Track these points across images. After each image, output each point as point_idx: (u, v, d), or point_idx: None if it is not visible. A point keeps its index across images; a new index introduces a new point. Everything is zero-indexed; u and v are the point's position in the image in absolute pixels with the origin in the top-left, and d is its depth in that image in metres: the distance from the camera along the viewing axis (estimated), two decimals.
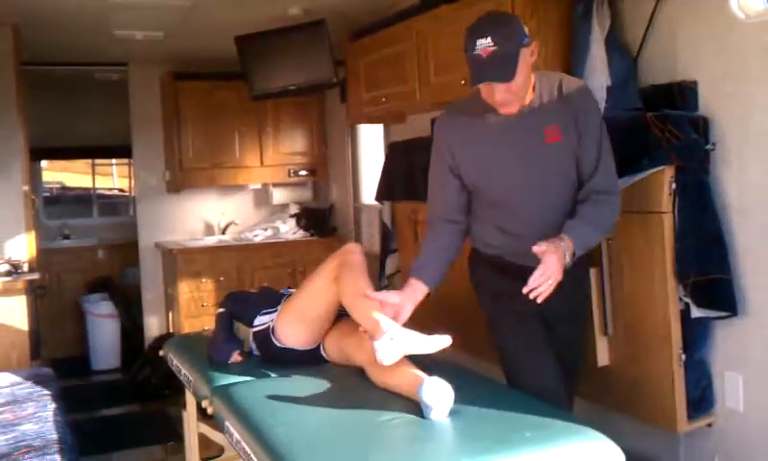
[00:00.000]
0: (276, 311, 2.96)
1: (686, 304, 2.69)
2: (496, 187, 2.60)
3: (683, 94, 2.77)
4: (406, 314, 2.61)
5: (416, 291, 2.65)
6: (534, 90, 2.48)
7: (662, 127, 2.62)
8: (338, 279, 2.70)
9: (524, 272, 2.33)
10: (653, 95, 2.88)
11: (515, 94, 2.41)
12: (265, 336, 2.95)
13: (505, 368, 2.72)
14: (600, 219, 2.46)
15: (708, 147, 2.70)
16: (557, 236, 2.37)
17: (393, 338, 2.31)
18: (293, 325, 2.90)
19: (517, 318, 2.62)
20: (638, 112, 2.81)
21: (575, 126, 2.45)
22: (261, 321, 2.99)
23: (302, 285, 3.01)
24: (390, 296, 2.63)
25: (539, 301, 2.31)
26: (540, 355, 2.61)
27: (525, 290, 2.28)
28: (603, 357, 2.89)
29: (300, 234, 6.34)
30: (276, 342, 2.92)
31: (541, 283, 2.28)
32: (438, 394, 2.20)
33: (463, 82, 3.19)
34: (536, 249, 2.30)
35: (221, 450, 3.67)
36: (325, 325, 2.89)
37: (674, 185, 2.61)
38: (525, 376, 2.60)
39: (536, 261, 2.31)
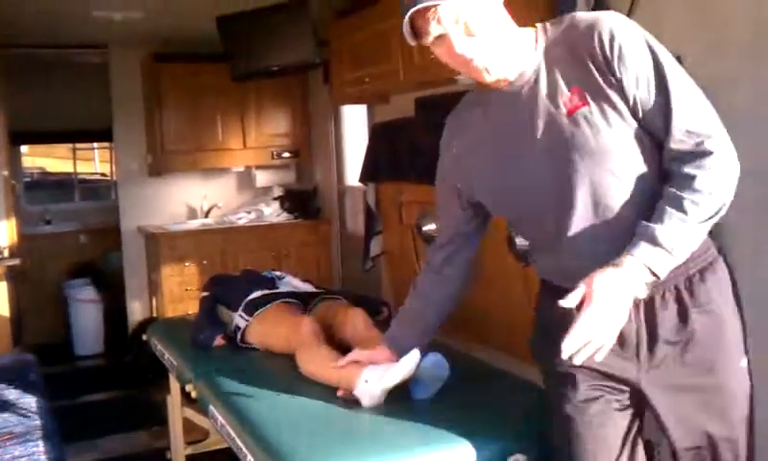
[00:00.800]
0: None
1: None
2: (513, 202, 1.84)
3: None
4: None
5: (386, 354, 2.23)
6: (536, 49, 1.72)
7: None
8: (297, 356, 2.59)
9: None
10: None
11: (479, 53, 1.66)
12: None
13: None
14: (690, 195, 1.56)
15: None
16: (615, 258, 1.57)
17: (367, 380, 2.22)
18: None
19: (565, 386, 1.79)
20: None
21: (608, 77, 1.62)
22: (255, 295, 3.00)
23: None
24: (357, 357, 2.28)
25: (576, 362, 1.53)
26: None
27: (564, 355, 1.51)
28: None
29: (283, 217, 6.31)
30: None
31: (579, 347, 1.52)
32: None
33: None
34: (562, 303, 1.55)
35: (206, 434, 3.65)
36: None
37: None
38: None
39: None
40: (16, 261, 4.34)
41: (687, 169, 1.58)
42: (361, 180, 4.39)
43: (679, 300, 1.68)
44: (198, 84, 5.94)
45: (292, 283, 3.23)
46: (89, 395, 5.28)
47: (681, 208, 1.55)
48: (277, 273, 3.31)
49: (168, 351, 3.17)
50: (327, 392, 2.32)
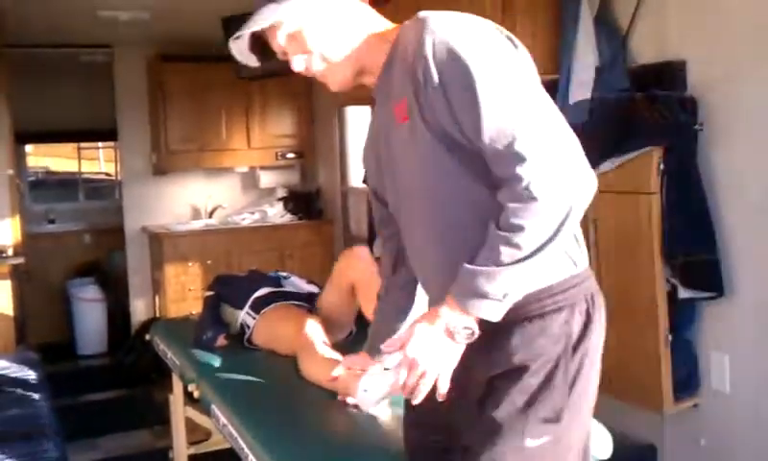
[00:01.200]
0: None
1: (673, 285, 2.69)
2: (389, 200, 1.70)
3: (671, 74, 2.76)
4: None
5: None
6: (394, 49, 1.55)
7: (651, 107, 2.61)
8: (299, 359, 2.58)
9: None
10: (641, 75, 2.87)
11: (317, 67, 1.59)
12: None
13: None
14: (506, 233, 1.36)
15: (697, 127, 2.69)
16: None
17: (366, 389, 2.13)
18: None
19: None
20: (627, 93, 2.79)
21: (426, 93, 1.43)
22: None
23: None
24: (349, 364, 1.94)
25: (414, 402, 1.46)
26: None
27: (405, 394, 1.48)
28: None
29: (287, 218, 6.31)
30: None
31: (413, 386, 1.45)
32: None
33: None
34: (384, 347, 1.51)
35: (208, 434, 3.65)
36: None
37: (662, 166, 2.61)
38: None
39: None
40: (21, 260, 4.35)
41: (504, 197, 1.36)
42: (364, 181, 4.39)
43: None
44: (202, 84, 5.94)
45: (297, 284, 3.23)
46: (92, 394, 5.27)
47: (496, 250, 1.36)
48: (283, 273, 3.31)
49: (171, 350, 3.17)
50: (329, 394, 2.33)
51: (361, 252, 2.85)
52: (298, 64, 1.59)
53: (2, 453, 2.46)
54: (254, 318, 2.95)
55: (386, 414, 2.18)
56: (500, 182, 1.38)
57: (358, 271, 2.81)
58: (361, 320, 3.00)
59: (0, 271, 4.14)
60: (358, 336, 2.98)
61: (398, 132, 1.52)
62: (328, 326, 2.78)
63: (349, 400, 2.20)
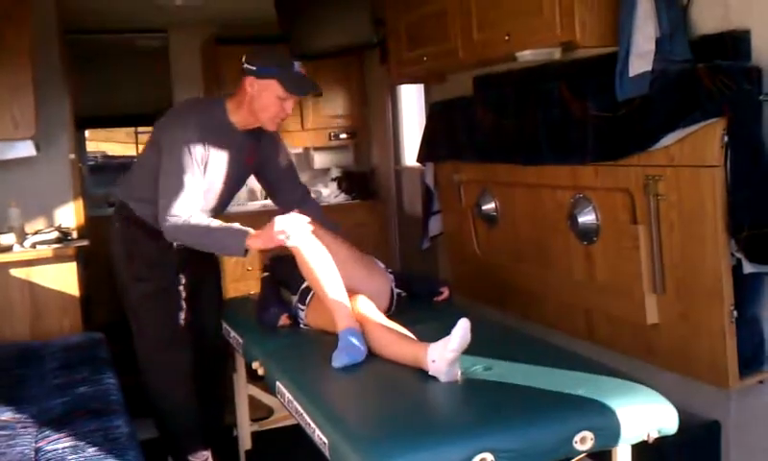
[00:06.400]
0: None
1: (738, 260, 2.64)
2: (214, 193, 3.20)
3: (734, 44, 2.69)
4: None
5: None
6: None
7: (713, 78, 2.55)
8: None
9: None
10: (703, 46, 2.81)
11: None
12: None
13: None
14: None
15: (762, 98, 2.63)
16: None
17: (434, 360, 2.27)
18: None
19: None
20: (688, 64, 2.74)
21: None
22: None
23: None
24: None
25: None
26: None
27: None
28: (652, 315, 2.86)
29: (341, 198, 6.35)
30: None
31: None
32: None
33: (507, 37, 3.14)
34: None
35: (270, 412, 3.73)
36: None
37: (726, 138, 2.55)
38: None
39: None
40: (85, 242, 4.45)
41: None
42: (419, 159, 4.39)
43: None
44: None
45: None
46: None
47: None
48: None
49: (234, 329, 3.23)
50: (395, 368, 2.35)
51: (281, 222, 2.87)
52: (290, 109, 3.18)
53: (75, 429, 2.54)
54: (303, 309, 2.98)
55: (456, 375, 2.21)
56: None
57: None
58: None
59: (66, 253, 4.24)
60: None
61: (246, 167, 3.37)
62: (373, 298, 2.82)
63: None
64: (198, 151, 3.04)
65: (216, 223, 2.98)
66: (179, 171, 3.01)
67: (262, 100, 3.07)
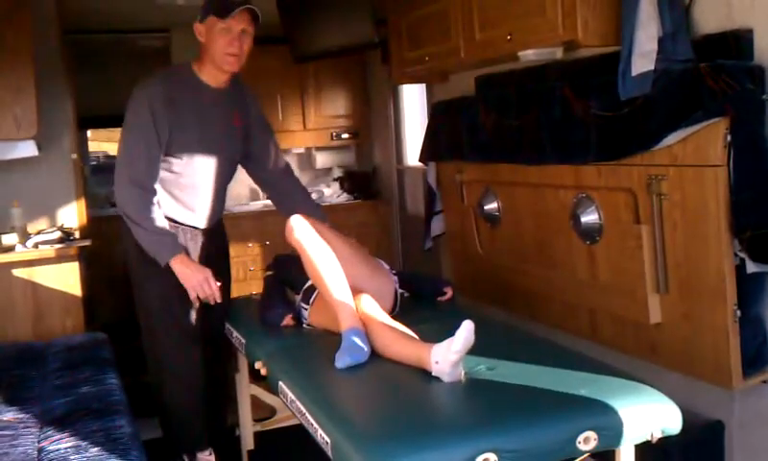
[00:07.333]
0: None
1: (742, 260, 2.63)
2: (197, 161, 3.14)
3: (737, 43, 2.68)
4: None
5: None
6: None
7: (717, 78, 2.54)
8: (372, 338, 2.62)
9: None
10: (705, 46, 2.80)
11: (245, 55, 3.13)
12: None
13: None
14: None
15: (765, 97, 2.62)
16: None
17: (437, 361, 2.27)
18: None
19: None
20: (691, 64, 2.73)
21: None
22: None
23: None
24: None
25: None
26: None
27: None
28: (655, 315, 2.86)
29: (343, 198, 6.35)
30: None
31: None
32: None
33: (509, 37, 3.14)
34: None
35: (272, 412, 3.73)
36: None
37: (729, 137, 2.54)
38: None
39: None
40: (87, 242, 4.45)
41: None
42: (421, 159, 4.38)
43: None
44: (258, 67, 5.89)
45: None
46: None
47: None
48: None
49: (236, 329, 3.23)
50: (398, 368, 2.35)
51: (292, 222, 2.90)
52: (247, 45, 3.17)
53: (78, 429, 2.54)
54: (306, 308, 2.98)
55: (459, 376, 2.21)
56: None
57: (292, 240, 2.86)
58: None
59: (68, 253, 4.23)
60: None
61: (233, 128, 3.34)
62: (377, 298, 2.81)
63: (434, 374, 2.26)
64: (162, 118, 3.04)
65: (161, 224, 3.08)
66: (138, 137, 3.06)
67: (210, 41, 3.09)
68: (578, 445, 1.93)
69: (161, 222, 3.08)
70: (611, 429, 1.97)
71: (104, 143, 9.53)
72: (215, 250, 3.33)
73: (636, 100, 2.71)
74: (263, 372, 2.74)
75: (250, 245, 5.78)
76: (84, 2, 5.16)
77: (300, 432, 2.33)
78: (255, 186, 6.38)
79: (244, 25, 3.10)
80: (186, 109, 3.09)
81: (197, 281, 3.03)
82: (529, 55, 3.15)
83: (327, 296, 2.71)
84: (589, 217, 3.10)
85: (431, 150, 4.25)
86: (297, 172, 6.50)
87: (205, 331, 3.34)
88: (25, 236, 4.27)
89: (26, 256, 4.16)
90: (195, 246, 3.26)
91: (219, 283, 3.07)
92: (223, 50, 3.08)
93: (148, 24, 6.08)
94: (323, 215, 3.31)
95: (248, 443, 3.68)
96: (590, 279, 3.15)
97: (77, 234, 4.58)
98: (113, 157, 9.41)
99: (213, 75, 3.17)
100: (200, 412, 3.34)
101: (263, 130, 3.48)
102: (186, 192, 3.19)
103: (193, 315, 3.25)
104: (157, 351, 3.31)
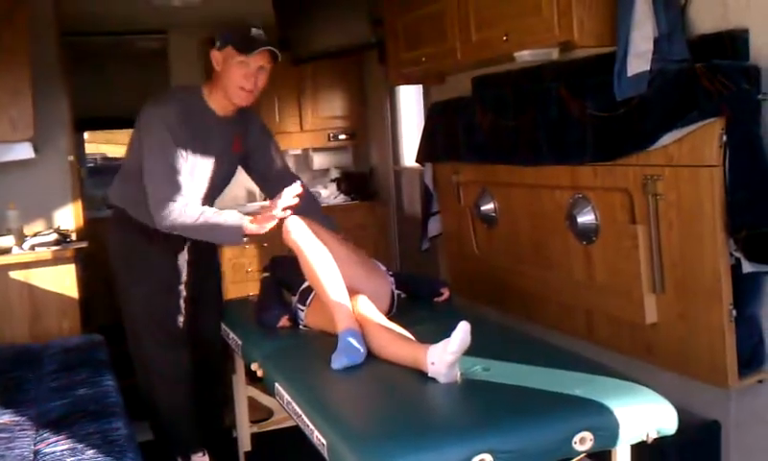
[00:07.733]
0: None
1: (737, 259, 2.63)
2: (201, 184, 3.15)
3: (733, 43, 2.68)
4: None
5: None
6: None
7: (712, 78, 2.55)
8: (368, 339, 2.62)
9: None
10: (701, 46, 2.81)
11: (259, 91, 3.09)
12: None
13: None
14: None
15: (760, 97, 2.63)
16: None
17: (433, 362, 2.27)
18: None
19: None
20: (687, 64, 2.74)
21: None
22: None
23: None
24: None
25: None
26: None
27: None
28: (651, 315, 2.86)
29: (341, 199, 6.35)
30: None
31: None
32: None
33: (505, 37, 3.14)
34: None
35: (269, 413, 3.72)
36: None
37: (725, 138, 2.55)
38: None
39: None
40: (84, 244, 4.44)
41: None
42: (418, 160, 4.38)
43: None
44: None
45: None
46: None
47: None
48: None
49: (233, 330, 3.23)
50: (394, 369, 2.35)
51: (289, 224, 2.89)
52: (262, 83, 3.12)
53: (74, 432, 2.53)
54: (303, 310, 2.98)
55: (455, 377, 2.22)
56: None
57: (289, 241, 2.85)
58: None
59: (65, 255, 4.23)
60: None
61: (232, 154, 3.34)
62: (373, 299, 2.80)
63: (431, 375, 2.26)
64: (178, 137, 3.01)
65: (211, 213, 3.01)
66: (161, 156, 3.00)
67: (226, 71, 3.06)
68: (574, 445, 1.94)
69: (209, 211, 3.05)
70: (606, 429, 1.97)
71: (101, 145, 9.53)
72: (204, 247, 3.32)
73: (632, 100, 2.71)
74: (259, 373, 2.74)
75: (246, 246, 5.77)
76: (82, 4, 5.16)
77: (296, 434, 2.33)
78: (252, 188, 6.47)
79: (263, 63, 3.07)
80: (189, 130, 3.07)
81: (269, 229, 2.95)
82: (525, 55, 3.15)
83: (324, 297, 2.71)
84: (586, 217, 3.10)
85: (428, 151, 4.25)
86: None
87: (197, 333, 3.34)
88: (21, 238, 4.27)
89: (22, 259, 4.15)
90: (183, 244, 3.24)
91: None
92: (237, 83, 3.05)
93: (145, 26, 6.07)
94: (333, 225, 3.25)
95: (245, 444, 3.68)
96: (587, 279, 3.15)
97: (73, 236, 4.58)
98: (111, 159, 9.42)
99: (222, 104, 3.15)
100: (190, 414, 3.34)
101: (265, 149, 3.43)
102: None
103: (180, 318, 3.26)
104: (144, 356, 3.32)
